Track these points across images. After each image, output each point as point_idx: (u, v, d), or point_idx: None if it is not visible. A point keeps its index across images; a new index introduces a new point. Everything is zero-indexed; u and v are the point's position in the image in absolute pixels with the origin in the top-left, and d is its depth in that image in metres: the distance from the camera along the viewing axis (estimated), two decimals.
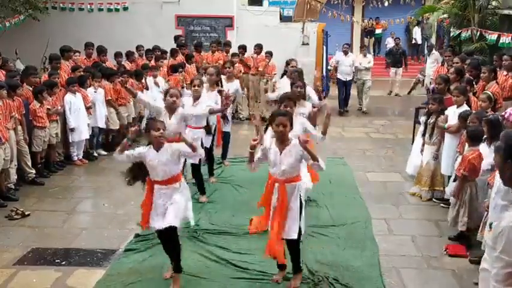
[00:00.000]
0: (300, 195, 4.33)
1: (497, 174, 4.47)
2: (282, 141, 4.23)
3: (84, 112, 8.15)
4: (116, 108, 9.00)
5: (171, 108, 5.48)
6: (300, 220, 4.33)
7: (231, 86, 7.78)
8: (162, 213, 4.28)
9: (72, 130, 8.00)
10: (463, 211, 5.24)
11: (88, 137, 8.37)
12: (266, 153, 4.31)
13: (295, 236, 4.29)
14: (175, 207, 4.27)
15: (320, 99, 6.65)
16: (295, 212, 4.28)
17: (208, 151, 6.83)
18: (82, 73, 8.56)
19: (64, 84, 8.23)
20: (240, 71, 11.34)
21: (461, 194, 5.25)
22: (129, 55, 10.56)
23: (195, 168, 6.46)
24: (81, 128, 8.11)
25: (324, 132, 5.09)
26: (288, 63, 8.47)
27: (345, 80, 12.53)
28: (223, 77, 7.60)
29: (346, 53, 12.53)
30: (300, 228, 4.35)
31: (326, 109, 5.45)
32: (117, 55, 10.26)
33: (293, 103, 5.17)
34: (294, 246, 4.42)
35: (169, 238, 4.37)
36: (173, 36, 12.49)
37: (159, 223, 4.26)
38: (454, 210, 5.36)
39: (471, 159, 5.11)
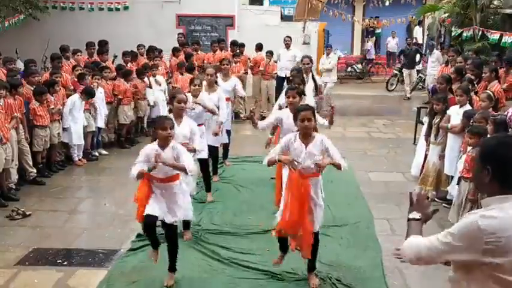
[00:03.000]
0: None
1: None
2: (306, 135, 4.27)
3: (82, 117, 8.09)
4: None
5: (179, 114, 5.28)
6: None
7: (228, 85, 7.68)
8: (165, 208, 4.37)
9: (64, 130, 7.91)
10: None
11: (82, 142, 8.20)
12: (288, 145, 4.29)
13: (318, 229, 4.39)
14: (180, 208, 4.45)
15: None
16: (321, 205, 4.37)
17: (213, 150, 6.79)
18: (83, 71, 8.53)
19: (65, 84, 8.23)
20: (245, 71, 11.38)
21: (476, 195, 5.18)
22: (134, 56, 10.57)
23: (205, 164, 6.34)
24: (76, 129, 8.00)
25: (330, 122, 5.57)
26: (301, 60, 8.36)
27: (284, 76, 11.01)
28: (219, 75, 7.54)
29: (288, 46, 11.76)
30: None
31: (330, 102, 5.63)
32: (125, 54, 10.28)
33: (297, 94, 5.32)
34: (317, 240, 4.44)
35: (170, 237, 4.47)
36: (174, 35, 12.49)
37: (167, 218, 4.38)
38: (463, 211, 5.25)
39: None
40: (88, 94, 8.02)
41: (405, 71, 15.00)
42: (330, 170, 7.54)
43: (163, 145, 4.32)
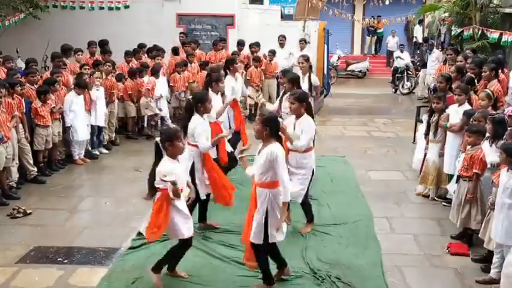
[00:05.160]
0: (270, 204, 4.19)
1: (502, 173, 4.47)
2: (262, 141, 4.26)
3: (83, 113, 8.08)
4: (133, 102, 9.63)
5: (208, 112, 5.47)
6: (266, 229, 4.20)
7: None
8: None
9: (68, 128, 7.93)
10: (476, 210, 5.19)
11: (88, 137, 8.30)
12: None
13: (253, 241, 4.24)
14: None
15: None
16: (259, 218, 4.20)
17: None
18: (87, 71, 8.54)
19: (66, 84, 8.22)
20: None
21: (475, 194, 5.19)
22: (135, 55, 10.57)
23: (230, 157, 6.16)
24: (81, 127, 8.02)
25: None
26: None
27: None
28: None
29: (282, 45, 11.87)
30: (266, 238, 4.22)
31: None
32: (127, 54, 10.28)
33: (295, 100, 5.26)
34: (256, 253, 4.31)
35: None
36: (174, 34, 12.49)
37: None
38: (462, 210, 5.27)
39: (483, 158, 5.09)
40: (80, 85, 7.91)
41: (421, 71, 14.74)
42: (329, 169, 7.62)
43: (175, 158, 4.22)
